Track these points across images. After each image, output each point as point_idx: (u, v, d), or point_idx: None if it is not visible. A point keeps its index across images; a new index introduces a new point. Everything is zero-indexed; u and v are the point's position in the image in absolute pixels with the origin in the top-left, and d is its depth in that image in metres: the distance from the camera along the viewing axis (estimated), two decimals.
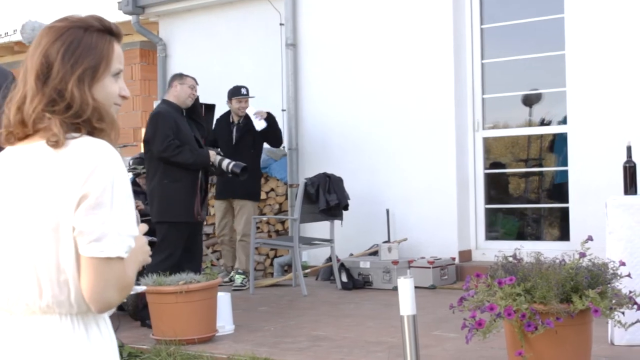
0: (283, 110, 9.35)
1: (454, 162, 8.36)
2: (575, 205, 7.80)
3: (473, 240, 8.49)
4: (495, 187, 8.79)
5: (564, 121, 8.04)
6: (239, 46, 10.02)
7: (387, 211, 8.56)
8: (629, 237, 5.12)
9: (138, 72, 12.17)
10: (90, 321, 1.95)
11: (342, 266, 8.22)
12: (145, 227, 2.08)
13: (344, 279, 8.13)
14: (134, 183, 7.74)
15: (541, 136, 8.54)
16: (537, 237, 8.58)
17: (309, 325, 6.42)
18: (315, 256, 9.07)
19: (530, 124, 8.53)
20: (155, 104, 9.55)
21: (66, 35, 1.96)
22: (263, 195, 9.11)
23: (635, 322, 4.30)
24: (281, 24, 9.49)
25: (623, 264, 4.29)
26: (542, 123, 8.44)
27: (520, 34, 8.41)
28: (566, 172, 7.99)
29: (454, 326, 5.54)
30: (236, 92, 8.65)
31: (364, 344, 5.70)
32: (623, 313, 4.14)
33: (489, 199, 8.56)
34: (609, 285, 4.10)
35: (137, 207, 7.40)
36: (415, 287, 3.58)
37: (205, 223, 8.07)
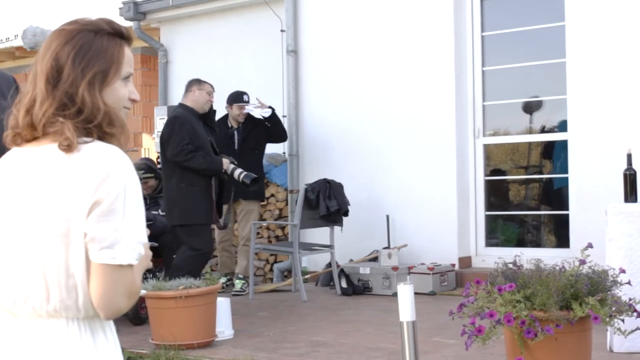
0: (284, 116, 9.35)
1: (454, 169, 8.36)
2: (576, 212, 7.80)
3: (473, 246, 8.48)
4: (496, 193, 8.79)
5: (564, 128, 8.04)
6: (240, 52, 10.03)
7: (387, 217, 8.56)
8: (629, 244, 5.12)
9: (139, 78, 12.17)
10: (97, 326, 1.94)
11: (341, 272, 8.21)
12: (147, 231, 2.08)
13: (344, 284, 8.13)
14: None
15: (541, 143, 8.55)
16: (537, 244, 8.59)
17: (308, 331, 6.41)
18: (315, 262, 9.07)
19: (530, 131, 8.54)
20: (156, 109, 9.57)
21: (77, 38, 1.94)
22: (264, 202, 9.12)
23: (635, 330, 4.30)
24: (282, 31, 9.51)
25: (623, 271, 4.29)
26: (543, 130, 8.45)
27: (521, 41, 8.42)
28: (566, 179, 7.99)
29: (453, 332, 5.54)
30: (238, 99, 8.65)
31: (363, 349, 5.69)
32: (623, 320, 4.14)
33: (489, 206, 8.56)
34: (608, 292, 4.10)
35: None
36: (415, 293, 3.58)
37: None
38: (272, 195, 9.36)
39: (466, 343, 4.10)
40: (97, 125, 1.92)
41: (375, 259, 8.45)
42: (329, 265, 8.48)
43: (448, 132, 8.39)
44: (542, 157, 8.69)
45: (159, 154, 10.17)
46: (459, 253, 8.34)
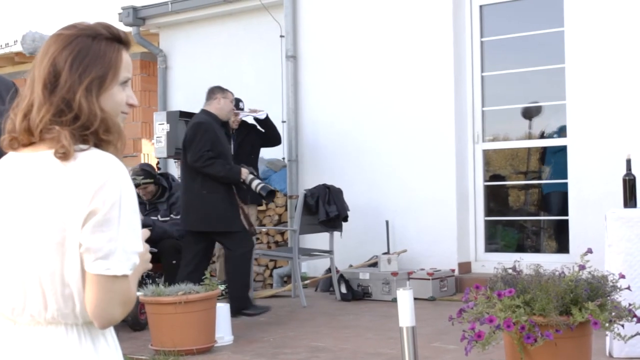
0: (283, 121, 9.36)
1: (453, 174, 8.37)
2: (575, 217, 7.80)
3: (473, 252, 8.48)
4: (495, 199, 8.79)
5: (564, 134, 8.05)
6: (239, 58, 10.04)
7: (387, 222, 8.56)
8: (629, 249, 5.12)
9: (138, 84, 12.18)
10: (97, 331, 1.94)
11: (341, 277, 8.21)
12: (146, 232, 2.07)
13: (343, 290, 8.13)
14: None
15: (541, 149, 8.55)
16: (537, 250, 8.59)
17: (308, 336, 6.41)
18: (315, 267, 9.07)
19: (530, 136, 8.54)
20: (156, 115, 9.55)
21: (74, 43, 1.93)
22: (262, 207, 9.11)
23: (635, 335, 4.29)
24: (281, 36, 9.52)
25: (622, 276, 4.29)
26: (542, 136, 8.45)
27: (520, 47, 8.43)
28: (565, 184, 7.99)
29: (453, 338, 5.53)
30: (234, 105, 8.62)
31: (363, 355, 5.69)
32: (622, 326, 4.13)
33: (489, 211, 8.57)
34: (608, 297, 4.09)
35: None
36: (415, 299, 3.58)
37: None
38: (272, 200, 9.34)
39: (466, 348, 4.10)
40: (94, 132, 1.91)
41: (374, 265, 8.45)
42: (329, 270, 8.47)
43: (447, 137, 8.39)
44: (541, 162, 8.70)
45: (158, 160, 10.20)
46: (459, 258, 8.33)
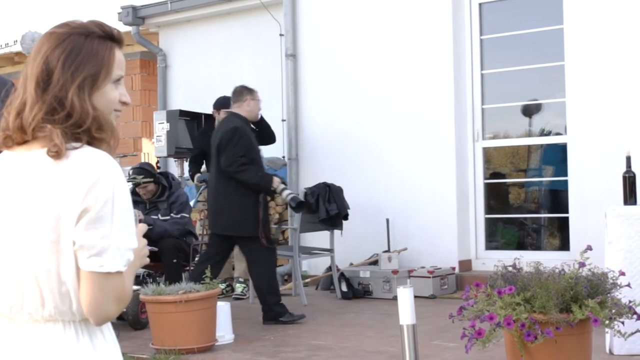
0: (283, 120, 9.36)
1: (453, 172, 8.37)
2: (575, 215, 7.80)
3: (473, 249, 8.49)
4: (495, 197, 8.79)
5: (563, 131, 8.05)
6: (239, 57, 10.04)
7: (387, 221, 8.56)
8: (629, 247, 5.12)
9: (138, 83, 12.19)
10: (94, 328, 1.95)
11: (342, 276, 8.21)
12: (144, 227, 2.07)
13: (344, 288, 8.13)
14: (133, 193, 7.74)
15: (541, 146, 8.55)
16: (537, 247, 8.59)
17: (308, 335, 6.41)
18: (315, 266, 9.07)
19: (530, 134, 8.55)
20: (155, 114, 9.56)
21: (67, 42, 1.94)
22: None
23: (635, 332, 4.30)
24: (281, 35, 9.51)
25: (622, 273, 4.29)
26: (542, 133, 8.45)
27: (520, 44, 8.42)
28: (565, 181, 8.00)
29: (453, 336, 5.54)
30: (226, 104, 8.59)
31: (363, 353, 5.69)
32: (623, 323, 4.14)
33: (489, 209, 8.57)
34: (608, 295, 4.09)
35: (137, 216, 7.49)
36: (415, 297, 3.58)
37: None
38: (272, 199, 9.35)
39: (466, 346, 4.10)
40: (86, 130, 1.91)
41: (375, 263, 8.45)
42: (329, 269, 8.48)
43: (447, 135, 8.39)
44: (541, 160, 8.69)
45: (158, 159, 10.20)
46: (459, 256, 8.34)
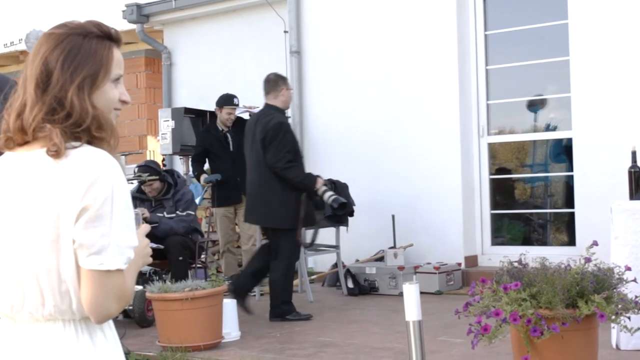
0: (288, 117, 9.34)
1: (459, 168, 8.36)
2: (581, 210, 7.79)
3: (479, 245, 8.48)
4: (501, 192, 8.78)
5: (568, 126, 8.03)
6: (243, 54, 10.04)
7: (393, 217, 8.56)
8: (635, 242, 5.11)
9: (143, 80, 12.21)
10: (94, 326, 1.95)
11: (348, 272, 8.22)
12: (147, 227, 2.07)
13: (350, 284, 8.13)
14: (139, 190, 7.75)
15: (546, 141, 8.54)
16: (543, 243, 8.58)
17: (314, 331, 6.42)
18: (322, 262, 9.07)
19: (535, 129, 8.53)
20: (160, 112, 9.57)
21: (65, 42, 1.95)
22: None
23: None
24: (285, 32, 9.51)
25: (629, 268, 4.29)
26: (547, 128, 8.44)
27: (525, 40, 8.41)
28: (571, 177, 7.99)
29: (459, 332, 5.53)
30: (229, 101, 8.58)
31: (369, 349, 5.70)
32: (629, 318, 4.13)
33: (495, 205, 8.56)
34: (614, 290, 4.09)
35: (142, 214, 7.48)
36: (421, 293, 3.58)
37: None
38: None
39: (472, 342, 4.10)
40: (86, 130, 1.92)
41: (381, 259, 8.45)
42: (335, 265, 8.48)
43: (452, 131, 8.39)
44: (547, 155, 8.68)
45: (164, 156, 10.21)
46: (465, 252, 8.34)
